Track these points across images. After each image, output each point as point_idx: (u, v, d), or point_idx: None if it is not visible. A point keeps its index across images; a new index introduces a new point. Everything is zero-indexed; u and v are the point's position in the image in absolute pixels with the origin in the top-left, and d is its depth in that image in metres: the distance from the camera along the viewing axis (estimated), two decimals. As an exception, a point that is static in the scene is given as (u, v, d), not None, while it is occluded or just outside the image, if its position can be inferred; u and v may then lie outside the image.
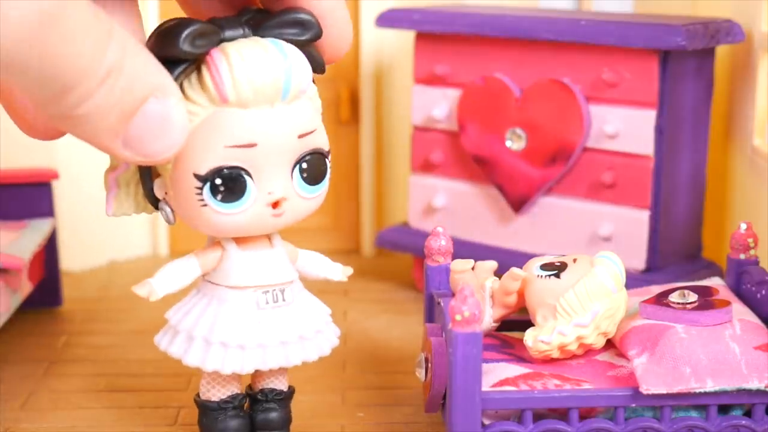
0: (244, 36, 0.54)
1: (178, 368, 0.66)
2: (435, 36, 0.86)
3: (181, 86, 0.53)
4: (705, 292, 0.63)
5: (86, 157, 0.84)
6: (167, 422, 0.66)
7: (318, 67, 0.57)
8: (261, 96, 0.53)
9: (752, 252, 0.67)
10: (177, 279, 0.59)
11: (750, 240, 0.67)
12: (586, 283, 0.60)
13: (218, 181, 0.54)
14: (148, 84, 0.45)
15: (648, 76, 0.76)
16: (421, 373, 0.61)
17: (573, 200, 0.81)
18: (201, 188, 0.54)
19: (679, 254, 0.82)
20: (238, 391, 0.62)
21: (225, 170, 0.54)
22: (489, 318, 0.64)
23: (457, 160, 0.86)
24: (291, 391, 0.63)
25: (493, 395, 0.57)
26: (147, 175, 0.57)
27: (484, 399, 0.56)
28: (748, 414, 0.59)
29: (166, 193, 0.56)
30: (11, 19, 0.40)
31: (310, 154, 0.56)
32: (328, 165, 0.58)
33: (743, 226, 0.67)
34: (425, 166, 0.88)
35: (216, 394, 0.61)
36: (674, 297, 0.62)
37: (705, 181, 0.83)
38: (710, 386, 0.57)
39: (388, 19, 0.88)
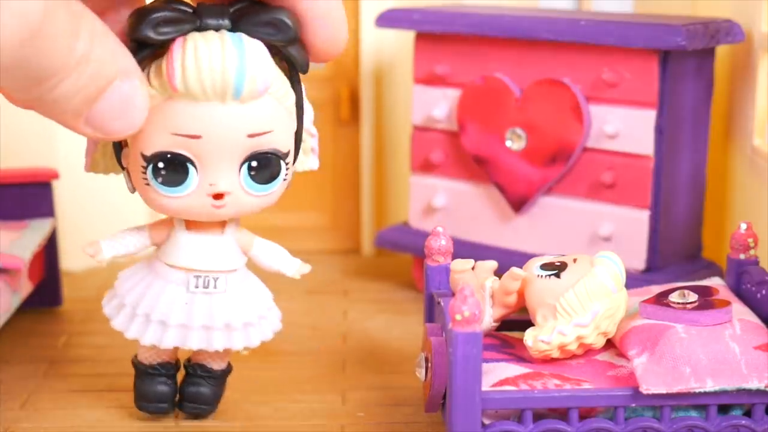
0: (219, 28, 0.54)
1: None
2: (435, 36, 0.86)
3: (149, 69, 0.55)
4: (705, 292, 0.63)
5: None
6: (167, 422, 0.66)
7: (300, 67, 0.57)
8: (210, 91, 0.54)
9: (752, 252, 0.67)
10: (125, 245, 0.63)
11: (750, 240, 0.67)
12: (586, 283, 0.60)
13: (161, 164, 0.57)
14: (113, 68, 0.47)
15: (648, 76, 0.76)
16: (421, 373, 0.61)
17: (573, 200, 0.81)
18: (145, 168, 0.57)
19: (679, 254, 0.82)
20: (171, 361, 0.65)
21: (168, 155, 0.56)
22: (489, 318, 0.64)
23: (457, 160, 0.86)
24: (227, 370, 0.66)
25: (493, 395, 0.57)
26: (117, 144, 0.59)
27: (484, 399, 0.56)
28: (748, 414, 0.59)
29: (128, 163, 0.59)
30: (2, 36, 0.41)
31: (262, 153, 0.57)
32: (284, 166, 0.58)
33: (743, 226, 0.67)
34: (425, 166, 0.88)
35: (147, 358, 0.65)
36: (674, 297, 0.62)
37: (705, 181, 0.83)
38: (710, 386, 0.57)
39: (388, 19, 0.87)
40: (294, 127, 0.59)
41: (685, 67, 0.78)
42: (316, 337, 0.79)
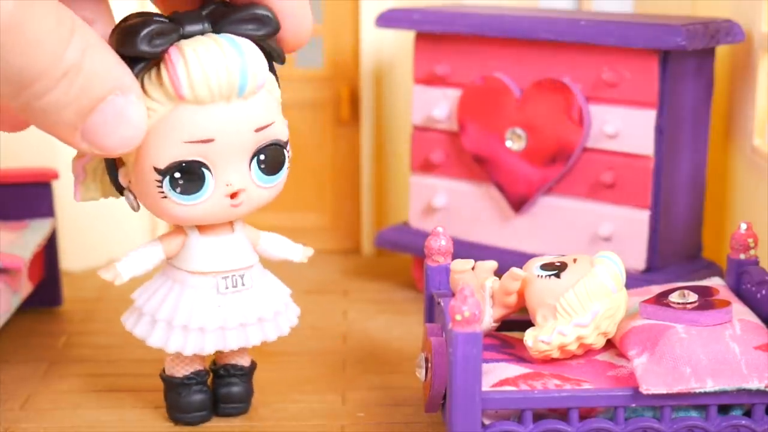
0: (203, 31, 0.55)
1: (178, 368, 0.66)
2: (435, 36, 0.86)
3: (141, 83, 0.55)
4: (705, 292, 0.63)
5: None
6: (166, 422, 0.66)
7: (278, 58, 0.58)
8: (217, 93, 0.55)
9: (752, 252, 0.67)
10: (141, 263, 0.62)
11: (750, 240, 0.67)
12: (586, 283, 0.60)
13: (177, 174, 0.57)
14: (108, 82, 0.47)
15: (648, 76, 0.76)
16: (421, 373, 0.61)
17: (573, 200, 0.81)
18: (161, 181, 0.57)
19: (679, 254, 0.82)
20: (201, 368, 0.65)
21: (183, 164, 0.57)
22: (489, 318, 0.64)
23: (457, 160, 0.86)
24: (253, 366, 0.67)
25: (493, 395, 0.57)
26: (112, 163, 0.59)
27: (484, 399, 0.56)
28: (748, 414, 0.59)
29: (129, 181, 0.59)
30: None
31: (267, 145, 0.59)
32: (287, 155, 0.60)
33: (743, 226, 0.67)
34: (425, 166, 0.88)
35: (180, 370, 0.65)
36: (674, 297, 0.62)
37: (705, 181, 0.83)
38: (710, 386, 0.57)
39: (388, 19, 0.87)
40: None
41: (685, 67, 0.78)
42: (316, 337, 0.79)
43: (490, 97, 0.83)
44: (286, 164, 0.60)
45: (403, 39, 0.96)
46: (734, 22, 0.79)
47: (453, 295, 0.62)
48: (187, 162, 0.56)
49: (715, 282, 0.68)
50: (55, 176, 0.83)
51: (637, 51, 0.76)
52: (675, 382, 0.57)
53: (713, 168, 0.87)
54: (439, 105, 0.86)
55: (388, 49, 0.97)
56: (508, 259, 0.74)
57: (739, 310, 0.63)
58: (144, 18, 0.54)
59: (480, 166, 0.84)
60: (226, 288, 0.62)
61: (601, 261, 0.61)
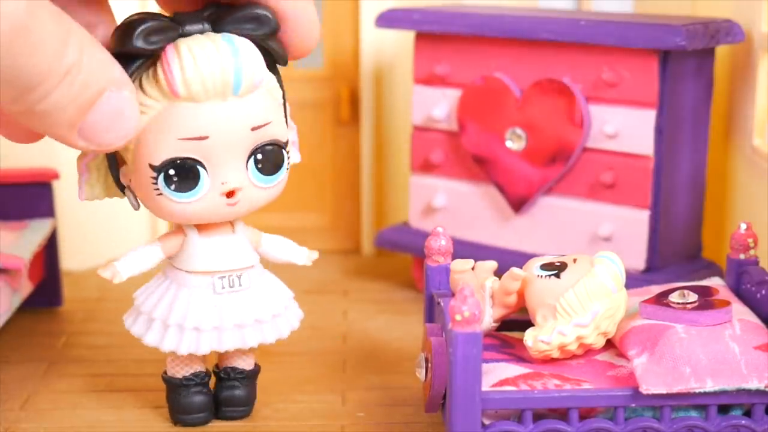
0: (203, 31, 0.56)
1: (178, 368, 0.66)
2: (435, 36, 0.86)
3: (139, 80, 0.56)
4: (705, 292, 0.63)
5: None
6: (166, 422, 0.66)
7: (280, 59, 0.58)
8: (211, 91, 0.56)
9: (752, 252, 0.67)
10: (140, 263, 0.62)
11: (750, 240, 0.67)
12: (586, 283, 0.60)
13: (171, 171, 0.57)
14: (103, 79, 0.47)
15: (648, 76, 0.76)
16: (421, 373, 0.61)
17: (573, 200, 0.81)
18: (156, 178, 0.57)
19: (679, 254, 0.82)
20: (201, 369, 0.65)
21: (178, 161, 0.57)
22: (489, 318, 0.64)
23: (457, 160, 0.86)
24: (255, 370, 0.67)
25: (493, 395, 0.57)
26: (113, 162, 0.59)
27: (484, 399, 0.56)
28: (747, 414, 0.59)
29: (129, 180, 0.59)
30: None
31: (265, 145, 0.59)
32: (286, 155, 0.60)
33: (743, 226, 0.67)
34: (425, 166, 0.88)
35: (179, 371, 0.65)
36: (674, 297, 0.62)
37: (705, 181, 0.83)
38: (710, 386, 0.57)
39: (388, 19, 0.87)
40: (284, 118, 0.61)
41: (685, 67, 0.78)
42: (316, 337, 0.79)
43: (490, 97, 0.83)
44: (286, 165, 0.60)
45: (403, 39, 0.96)
46: (734, 22, 0.79)
47: (453, 295, 0.62)
48: (181, 159, 0.57)
49: (715, 282, 0.68)
50: (55, 176, 0.83)
51: (637, 51, 0.76)
52: (675, 382, 0.57)
53: (713, 168, 0.87)
54: (439, 105, 0.86)
55: (388, 49, 0.97)
56: (508, 259, 0.74)
57: (739, 310, 0.63)
58: (142, 16, 0.54)
59: (480, 166, 0.84)
60: (223, 288, 0.62)
61: (601, 261, 0.61)
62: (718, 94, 0.86)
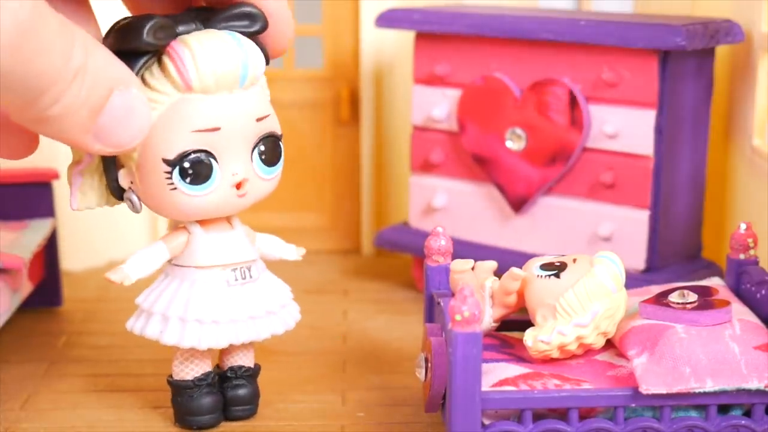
0: (197, 29, 0.57)
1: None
2: (435, 36, 0.86)
3: (142, 78, 0.56)
4: (705, 292, 0.63)
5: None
6: (167, 422, 0.66)
7: (266, 57, 0.60)
8: (222, 83, 0.57)
9: (752, 252, 0.67)
10: (148, 264, 0.62)
11: (750, 240, 0.67)
12: (585, 283, 0.60)
13: (186, 164, 0.57)
14: (111, 78, 0.48)
15: (648, 76, 0.76)
16: (421, 373, 0.61)
17: (573, 200, 0.81)
18: (170, 172, 0.57)
19: (679, 254, 0.82)
20: (210, 370, 0.65)
21: (192, 154, 0.57)
22: (489, 318, 0.64)
23: (457, 160, 0.86)
24: (258, 368, 0.67)
25: (493, 395, 0.57)
26: (111, 166, 0.59)
27: (484, 399, 0.56)
28: (747, 414, 0.59)
29: (131, 182, 0.59)
30: None
31: (266, 136, 0.60)
32: (282, 148, 0.61)
33: (743, 226, 0.67)
34: (425, 166, 0.88)
35: (190, 373, 0.64)
36: (674, 297, 0.62)
37: (705, 181, 0.83)
38: (710, 386, 0.57)
39: (388, 19, 0.88)
40: None
41: (685, 67, 0.78)
42: (316, 337, 0.79)
43: (490, 97, 0.83)
44: (282, 157, 0.61)
45: (403, 39, 0.96)
46: (734, 22, 0.79)
47: (453, 295, 0.62)
48: (195, 151, 0.57)
49: (714, 282, 0.68)
50: (55, 176, 0.83)
51: (637, 51, 0.76)
52: (675, 382, 0.57)
53: (713, 168, 0.87)
54: (439, 105, 0.86)
55: (388, 49, 0.97)
56: (508, 259, 0.74)
57: (739, 310, 0.63)
58: (143, 16, 0.55)
59: (480, 166, 0.84)
60: (236, 280, 0.62)
61: (600, 261, 0.61)
62: (718, 94, 0.86)
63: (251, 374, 0.66)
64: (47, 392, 0.71)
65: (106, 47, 0.54)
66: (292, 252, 0.68)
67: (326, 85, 0.99)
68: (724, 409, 0.59)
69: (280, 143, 0.61)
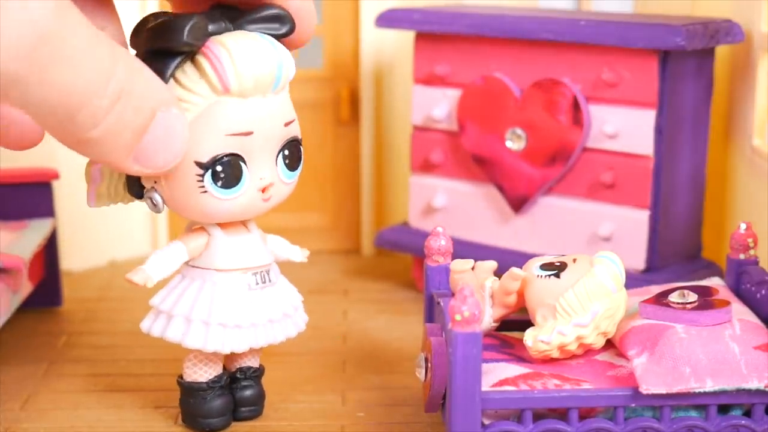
0: (227, 30, 0.56)
1: (179, 368, 0.66)
2: (435, 36, 0.86)
3: (174, 77, 0.55)
4: (705, 292, 0.63)
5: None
6: (167, 422, 0.66)
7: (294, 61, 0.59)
8: (259, 86, 0.56)
9: (752, 252, 0.67)
10: (168, 265, 0.61)
11: (750, 240, 0.67)
12: (585, 283, 0.60)
13: (218, 168, 0.57)
14: (154, 100, 0.47)
15: (648, 76, 0.76)
16: (421, 373, 0.61)
17: (573, 200, 0.81)
18: (202, 175, 0.56)
19: (679, 254, 0.82)
20: (222, 371, 0.65)
21: (224, 157, 0.56)
22: (489, 318, 0.64)
23: (457, 160, 0.86)
24: (263, 368, 0.67)
25: (493, 395, 0.57)
26: None
27: (484, 399, 0.56)
28: (747, 414, 0.59)
29: (155, 181, 0.58)
30: (5, 36, 0.40)
31: (291, 141, 0.59)
32: (302, 152, 0.61)
33: (743, 226, 0.67)
34: (425, 166, 0.88)
35: (203, 375, 0.64)
36: (674, 297, 0.62)
37: (705, 181, 0.83)
38: (710, 386, 0.57)
39: (388, 19, 0.88)
40: None
41: (685, 67, 0.78)
42: (316, 337, 0.79)
43: (490, 97, 0.83)
44: (302, 161, 0.61)
45: (403, 39, 0.96)
46: (734, 22, 0.79)
47: (453, 295, 0.62)
48: (227, 155, 0.57)
49: (714, 282, 0.68)
50: (55, 176, 0.83)
51: (637, 51, 0.76)
52: (675, 382, 0.57)
53: (713, 168, 0.87)
54: (439, 105, 0.86)
55: (388, 49, 0.97)
56: (508, 259, 0.74)
57: (739, 310, 0.63)
58: (179, 14, 0.54)
59: (480, 166, 0.84)
60: (257, 284, 0.62)
61: (600, 261, 0.61)
62: (718, 94, 0.86)
63: (257, 375, 0.66)
64: (47, 392, 0.71)
65: (137, 47, 0.54)
66: (298, 253, 0.67)
67: (326, 85, 0.99)
68: (724, 409, 0.59)
69: (301, 147, 0.60)
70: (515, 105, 0.82)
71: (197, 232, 0.62)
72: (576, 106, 0.79)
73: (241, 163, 0.57)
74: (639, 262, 0.79)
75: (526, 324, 0.63)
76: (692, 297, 0.62)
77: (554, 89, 0.80)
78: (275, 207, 0.61)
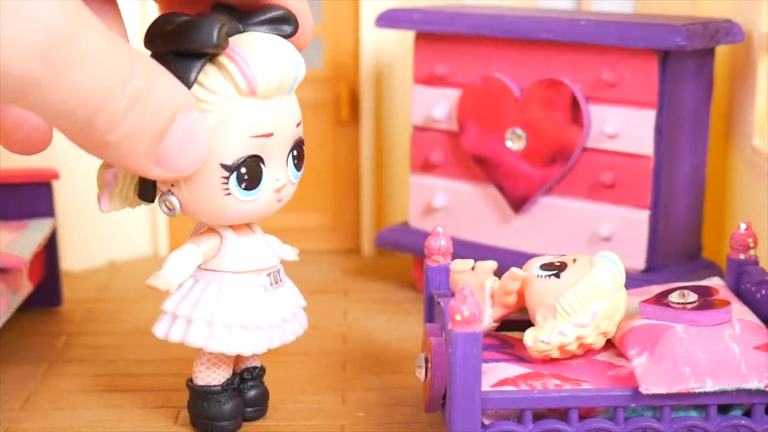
0: (239, 31, 0.56)
1: (179, 368, 0.66)
2: (435, 36, 0.86)
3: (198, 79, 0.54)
4: (705, 292, 0.63)
5: (86, 157, 0.83)
6: (167, 422, 0.66)
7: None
8: (282, 87, 0.56)
9: (752, 252, 0.67)
10: (186, 268, 0.61)
11: (750, 240, 0.67)
12: (585, 283, 0.60)
13: (243, 170, 0.56)
14: (173, 102, 0.46)
15: (648, 76, 0.76)
16: (421, 373, 0.61)
17: (573, 200, 0.81)
18: (227, 178, 0.56)
19: (679, 254, 0.82)
20: (233, 373, 0.65)
21: (247, 159, 0.56)
22: (489, 318, 0.64)
23: (457, 160, 0.86)
24: (264, 368, 0.67)
25: (493, 395, 0.57)
26: None
27: (484, 399, 0.56)
28: (747, 414, 0.59)
29: (172, 185, 0.57)
30: (19, 38, 0.40)
31: (299, 142, 0.60)
32: (304, 152, 0.61)
33: (743, 226, 0.67)
34: (425, 166, 0.88)
35: (216, 378, 0.64)
36: (674, 297, 0.62)
37: (705, 181, 0.83)
38: (710, 386, 0.57)
39: (388, 19, 0.88)
40: None
41: (685, 67, 0.78)
42: (316, 337, 0.79)
43: (490, 97, 0.83)
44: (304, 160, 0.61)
45: (403, 39, 0.96)
46: (734, 22, 0.79)
47: (453, 295, 0.62)
48: (251, 157, 0.56)
49: (714, 282, 0.68)
50: (55, 176, 0.83)
51: (637, 51, 0.76)
52: (675, 382, 0.57)
53: (713, 168, 0.87)
54: (439, 105, 0.86)
55: (388, 49, 0.97)
56: (508, 259, 0.74)
57: (739, 310, 0.63)
58: (204, 16, 0.53)
59: (480, 166, 0.84)
60: (271, 285, 0.62)
61: (600, 261, 0.61)
62: (718, 94, 0.86)
63: (261, 375, 0.66)
64: (47, 392, 0.71)
65: (152, 49, 0.53)
66: (290, 252, 0.67)
67: (326, 85, 0.99)
68: (724, 409, 0.59)
69: (304, 147, 0.60)
70: (515, 105, 0.82)
71: (209, 234, 0.61)
72: (576, 106, 0.79)
73: (261, 165, 0.57)
74: (639, 262, 0.79)
75: (526, 324, 0.63)
76: (692, 297, 0.62)
77: (554, 89, 0.80)
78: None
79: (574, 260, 0.62)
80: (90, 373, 0.74)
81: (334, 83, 0.98)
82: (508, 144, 0.82)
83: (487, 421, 0.58)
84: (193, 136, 0.48)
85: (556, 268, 0.62)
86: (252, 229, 0.62)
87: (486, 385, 0.59)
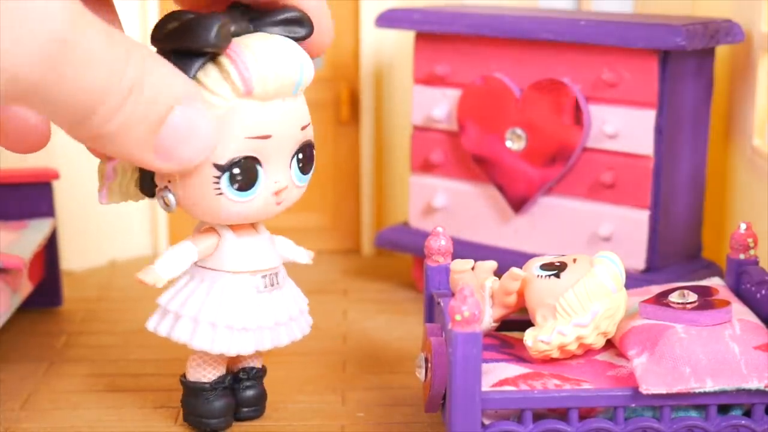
0: (248, 31, 0.56)
1: (179, 368, 0.66)
2: (435, 36, 0.86)
3: (195, 78, 0.54)
4: (705, 292, 0.63)
5: (86, 157, 0.83)
6: (167, 422, 0.66)
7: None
8: (282, 90, 0.56)
9: (752, 252, 0.67)
10: (178, 265, 0.61)
11: (750, 240, 0.67)
12: (585, 283, 0.60)
13: (236, 170, 0.56)
14: (171, 93, 0.46)
15: (648, 76, 0.76)
16: (421, 373, 0.61)
17: (573, 200, 0.81)
18: (219, 177, 0.56)
19: (679, 254, 0.82)
20: (225, 372, 0.64)
21: (242, 160, 0.56)
22: (489, 318, 0.64)
23: (457, 160, 0.86)
24: (265, 369, 0.67)
25: (493, 395, 0.57)
26: None
27: (484, 399, 0.56)
28: (747, 414, 0.59)
29: (169, 181, 0.57)
30: (24, 44, 0.40)
31: (306, 145, 0.59)
32: (314, 155, 0.60)
33: (743, 226, 0.67)
34: (425, 166, 0.88)
35: (207, 375, 0.64)
36: (674, 297, 0.62)
37: (705, 181, 0.83)
38: (710, 386, 0.57)
39: (388, 19, 0.88)
40: None
41: (685, 67, 0.78)
42: (316, 337, 0.79)
43: (490, 97, 0.83)
44: (314, 164, 0.60)
45: (403, 39, 0.96)
46: (734, 22, 0.79)
47: (453, 295, 0.62)
48: (245, 158, 0.56)
49: (714, 282, 0.68)
50: (55, 176, 0.83)
51: (637, 51, 0.76)
52: (675, 382, 0.57)
53: (713, 168, 0.87)
54: (439, 105, 0.86)
55: (388, 49, 0.97)
56: (508, 259, 0.74)
57: (739, 310, 0.63)
58: (204, 15, 0.53)
59: (480, 166, 0.84)
60: (265, 287, 0.62)
61: (600, 261, 0.61)
62: (718, 94, 0.86)
63: (259, 375, 0.66)
64: (47, 392, 0.71)
65: (157, 46, 0.53)
66: (304, 255, 0.67)
67: (326, 85, 0.99)
68: (724, 409, 0.59)
69: (314, 151, 0.60)
70: (515, 105, 0.82)
71: (208, 232, 0.61)
72: (576, 106, 0.79)
73: (257, 167, 0.57)
74: (639, 262, 0.79)
75: (526, 324, 0.63)
76: (692, 297, 0.62)
77: (554, 89, 0.80)
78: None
79: (574, 260, 0.62)
80: (90, 373, 0.74)
81: (334, 83, 0.98)
82: (508, 144, 0.82)
83: (487, 421, 0.58)
84: (194, 127, 0.48)
85: (556, 268, 0.62)
86: (256, 229, 0.62)
87: (486, 385, 0.59)
